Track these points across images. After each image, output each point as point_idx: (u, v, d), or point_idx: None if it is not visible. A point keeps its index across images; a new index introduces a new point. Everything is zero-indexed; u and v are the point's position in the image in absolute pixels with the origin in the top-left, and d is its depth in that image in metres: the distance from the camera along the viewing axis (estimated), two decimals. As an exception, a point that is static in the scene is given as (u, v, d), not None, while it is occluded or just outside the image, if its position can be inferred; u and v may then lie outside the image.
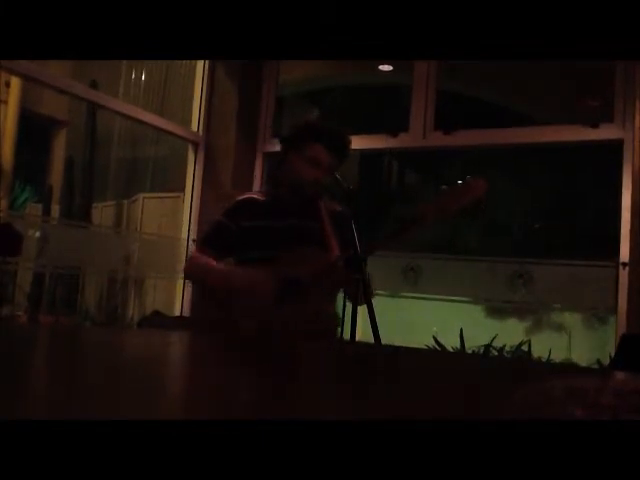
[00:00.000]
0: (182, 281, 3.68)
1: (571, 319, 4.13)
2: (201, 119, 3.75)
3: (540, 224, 4.66)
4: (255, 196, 1.95)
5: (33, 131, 4.37)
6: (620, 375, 1.17)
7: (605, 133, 2.96)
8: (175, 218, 3.85)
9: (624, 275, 2.78)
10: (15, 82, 3.74)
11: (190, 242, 3.64)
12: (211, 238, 1.90)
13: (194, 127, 3.77)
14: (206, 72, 3.78)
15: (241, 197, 1.94)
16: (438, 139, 3.27)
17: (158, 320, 3.45)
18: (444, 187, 1.66)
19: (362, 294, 1.56)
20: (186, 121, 3.80)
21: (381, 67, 3.92)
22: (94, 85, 3.67)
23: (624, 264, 2.78)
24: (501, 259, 3.26)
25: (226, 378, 0.74)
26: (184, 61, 4.01)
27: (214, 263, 1.81)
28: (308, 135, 1.86)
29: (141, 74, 4.30)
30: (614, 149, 2.92)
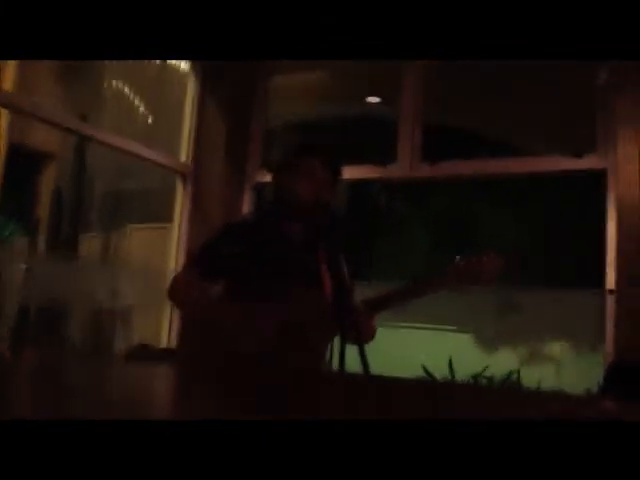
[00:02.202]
0: (169, 313, 3.64)
1: (560, 347, 4.13)
2: (190, 149, 3.77)
3: (526, 252, 4.70)
4: (249, 221, 1.91)
5: (20, 164, 4.36)
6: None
7: (588, 163, 3.01)
8: (163, 249, 3.83)
9: (611, 302, 2.79)
10: (4, 114, 3.74)
11: (178, 273, 3.62)
12: (199, 259, 1.81)
13: (183, 157, 3.78)
14: (195, 102, 3.82)
15: (233, 219, 1.88)
16: (426, 170, 3.30)
17: (145, 353, 3.40)
18: (458, 259, 1.65)
19: (353, 334, 1.50)
20: (175, 152, 3.81)
21: (369, 99, 3.99)
22: (83, 118, 3.68)
23: (610, 291, 2.80)
24: (488, 288, 3.26)
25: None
26: (173, 90, 4.04)
27: (201, 288, 1.74)
28: (300, 151, 1.85)
29: (130, 104, 4.32)
30: (598, 177, 2.97)
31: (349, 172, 3.15)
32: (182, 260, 3.64)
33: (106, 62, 4.17)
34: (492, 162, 3.30)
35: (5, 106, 3.42)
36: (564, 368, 4.01)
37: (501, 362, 3.73)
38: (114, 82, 4.28)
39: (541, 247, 4.46)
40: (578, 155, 3.02)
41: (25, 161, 4.44)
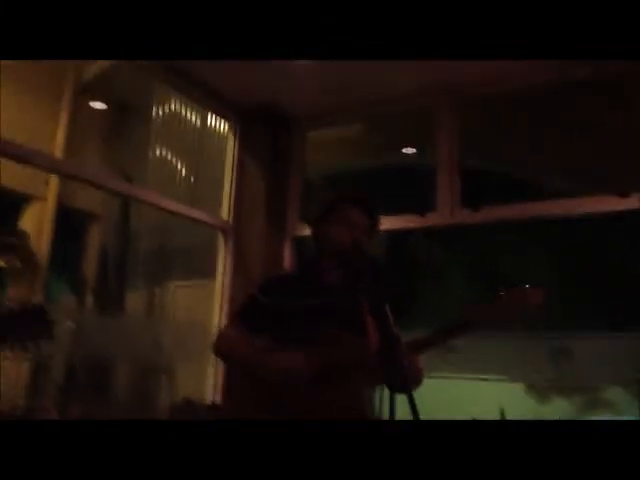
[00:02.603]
0: (214, 368, 3.64)
1: (618, 394, 3.95)
2: (230, 206, 3.85)
3: (572, 297, 4.57)
4: (290, 272, 1.93)
5: (68, 225, 4.52)
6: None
7: (635, 203, 2.94)
8: (206, 305, 3.87)
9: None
10: (53, 180, 3.91)
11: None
12: (244, 313, 1.83)
13: (224, 214, 3.86)
14: (235, 160, 3.92)
15: (276, 273, 1.91)
16: (466, 216, 3.28)
17: (189, 408, 3.40)
18: (501, 291, 1.63)
19: (402, 381, 1.51)
20: (215, 209, 3.90)
21: (404, 150, 4.03)
22: (128, 179, 3.82)
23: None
24: (536, 334, 3.17)
25: None
26: (213, 150, 4.16)
27: (247, 341, 1.74)
28: (337, 200, 1.87)
29: (172, 165, 4.47)
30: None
31: (388, 222, 3.17)
32: (225, 315, 3.66)
33: (151, 126, 4.35)
34: (534, 204, 3.25)
35: (55, 172, 3.57)
36: (622, 415, 3.82)
37: (555, 411, 3.58)
38: (157, 144, 4.44)
39: (588, 291, 4.33)
40: (624, 195, 2.96)
41: (72, 222, 4.60)
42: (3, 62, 3.46)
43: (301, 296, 1.78)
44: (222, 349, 1.83)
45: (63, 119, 3.89)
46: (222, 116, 4.02)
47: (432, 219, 3.38)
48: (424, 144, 3.71)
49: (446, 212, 3.31)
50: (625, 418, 3.79)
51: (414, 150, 4.00)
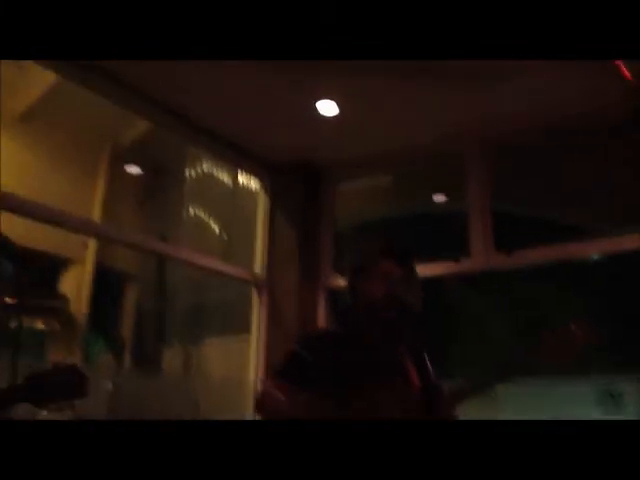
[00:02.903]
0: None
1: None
2: (263, 260, 3.88)
3: (618, 338, 4.41)
4: (328, 327, 1.93)
5: (106, 286, 4.61)
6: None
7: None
8: (242, 360, 3.86)
9: None
10: (92, 242, 4.02)
11: (258, 383, 3.61)
12: (286, 370, 1.82)
13: (257, 269, 3.89)
14: (266, 215, 3.98)
15: (314, 327, 1.92)
16: (501, 260, 3.25)
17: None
18: (545, 333, 1.60)
19: None
20: (249, 264, 3.93)
21: (435, 197, 4.04)
22: (163, 238, 3.90)
23: None
24: (584, 376, 3.06)
25: None
26: (245, 206, 4.23)
27: (290, 397, 1.71)
28: (373, 252, 1.89)
29: (205, 222, 4.56)
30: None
31: (423, 270, 3.14)
32: (262, 370, 3.64)
33: (184, 187, 4.47)
34: (571, 246, 3.20)
35: (93, 235, 3.67)
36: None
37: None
38: (190, 203, 4.55)
39: (636, 331, 4.18)
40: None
41: (110, 282, 4.69)
42: (40, 126, 3.62)
43: (341, 350, 1.78)
44: (265, 407, 1.81)
45: (100, 183, 4.03)
46: (252, 173, 4.11)
47: (467, 265, 3.35)
48: (454, 190, 3.71)
49: (480, 257, 3.28)
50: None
51: (444, 196, 4.01)
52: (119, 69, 2.94)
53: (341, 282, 3.62)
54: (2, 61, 2.51)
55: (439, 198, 4.03)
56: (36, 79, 3.45)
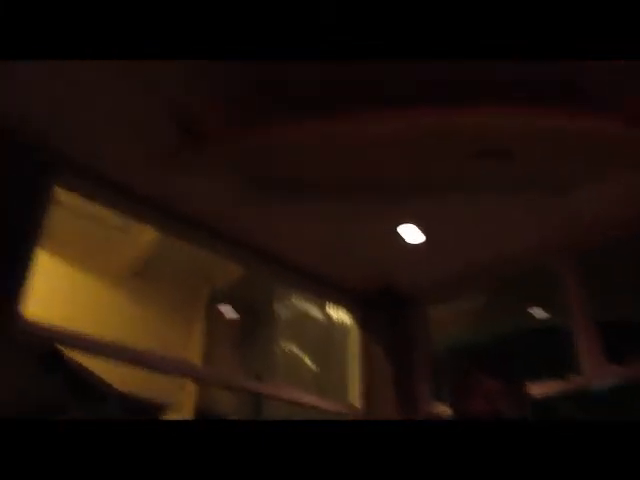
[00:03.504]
0: None
1: None
2: (359, 391, 3.79)
3: None
4: None
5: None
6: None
7: None
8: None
9: None
10: (190, 385, 4.10)
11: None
12: None
13: (353, 400, 3.79)
14: (359, 343, 3.94)
15: None
16: (613, 373, 3.00)
17: None
18: None
19: None
20: (344, 396, 3.85)
21: (532, 311, 3.89)
22: (258, 377, 3.94)
23: None
24: None
25: None
26: (336, 334, 4.22)
27: None
28: (472, 372, 1.82)
29: (298, 356, 4.57)
30: None
31: (532, 389, 2.95)
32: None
33: (275, 325, 4.57)
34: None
35: (194, 379, 3.76)
36: None
37: None
38: (283, 340, 4.62)
39: None
40: None
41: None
42: (144, 280, 3.87)
43: None
44: None
45: (198, 327, 4.20)
46: (341, 304, 4.16)
47: (578, 382, 3.11)
48: (551, 302, 3.56)
49: (591, 372, 3.05)
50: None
51: (542, 310, 3.85)
52: (215, 222, 3.14)
53: (441, 409, 3.44)
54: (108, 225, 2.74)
55: (536, 311, 3.87)
56: (138, 237, 3.78)
